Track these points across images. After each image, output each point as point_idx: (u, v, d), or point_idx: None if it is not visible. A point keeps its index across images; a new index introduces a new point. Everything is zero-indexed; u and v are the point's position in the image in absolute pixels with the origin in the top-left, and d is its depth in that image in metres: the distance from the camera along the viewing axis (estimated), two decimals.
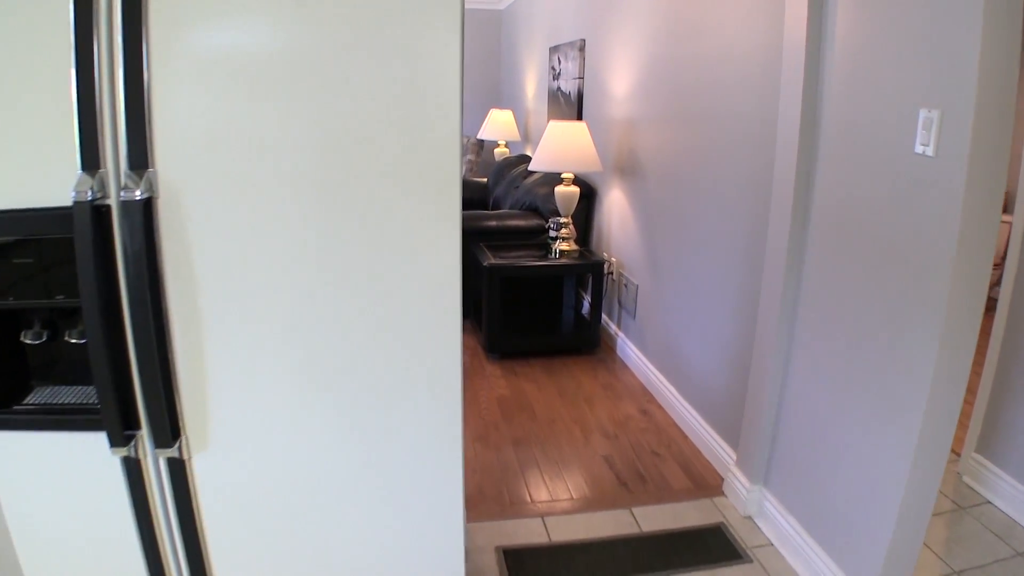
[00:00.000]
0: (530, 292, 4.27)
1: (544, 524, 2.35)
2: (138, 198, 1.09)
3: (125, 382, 1.22)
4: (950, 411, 1.68)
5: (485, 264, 3.59)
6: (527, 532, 2.31)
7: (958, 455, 2.73)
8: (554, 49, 5.05)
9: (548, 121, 4.98)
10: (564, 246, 3.85)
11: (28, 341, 1.26)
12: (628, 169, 3.68)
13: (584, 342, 3.86)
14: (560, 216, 3.89)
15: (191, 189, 1.13)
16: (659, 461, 2.77)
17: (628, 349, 3.72)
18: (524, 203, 4.37)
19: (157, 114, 1.10)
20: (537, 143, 4.34)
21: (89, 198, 1.09)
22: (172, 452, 1.25)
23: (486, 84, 7.38)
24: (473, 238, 4.05)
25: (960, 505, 2.49)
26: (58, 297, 1.20)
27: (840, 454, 1.97)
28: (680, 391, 3.10)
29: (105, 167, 1.12)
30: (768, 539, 2.28)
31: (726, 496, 2.54)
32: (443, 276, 1.23)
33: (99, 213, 1.12)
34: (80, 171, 1.12)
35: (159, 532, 1.33)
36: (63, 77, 1.08)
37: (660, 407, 3.23)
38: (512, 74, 6.83)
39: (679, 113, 3.04)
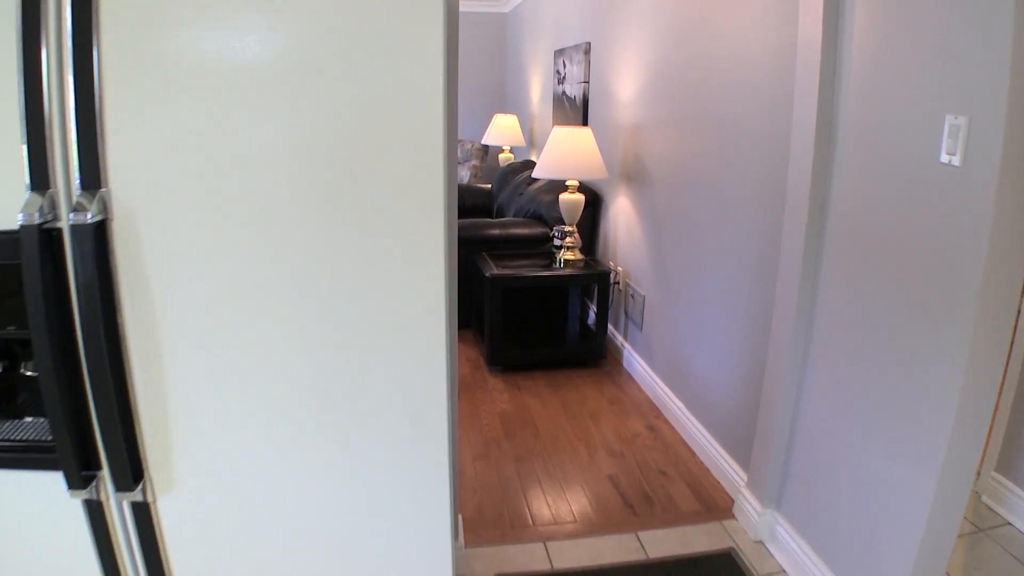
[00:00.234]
0: (534, 302, 4.16)
1: (546, 549, 2.24)
2: (89, 221, 0.99)
3: (84, 419, 1.12)
4: (977, 435, 1.58)
5: (487, 274, 3.48)
6: (528, 558, 2.20)
7: (977, 474, 2.61)
8: (559, 53, 4.95)
9: (553, 126, 4.88)
10: (569, 255, 3.74)
11: None
12: (635, 176, 3.58)
13: (589, 354, 3.75)
14: (565, 224, 3.78)
15: (149, 210, 1.03)
16: (666, 481, 2.65)
17: (635, 362, 3.61)
18: (528, 210, 4.27)
19: (111, 128, 1.00)
20: (542, 148, 4.23)
21: (38, 221, 1.00)
22: (135, 496, 1.15)
23: (490, 88, 7.29)
24: (475, 247, 3.95)
25: (979, 527, 2.37)
26: (9, 328, 1.10)
27: (858, 478, 1.85)
28: (688, 407, 2.99)
29: (55, 186, 1.02)
30: (780, 566, 2.17)
31: (736, 519, 2.42)
32: (427, 304, 1.13)
33: (49, 237, 1.02)
34: (28, 191, 1.02)
35: None
36: (9, 88, 0.99)
37: (668, 423, 3.12)
38: (517, 78, 6.73)
39: (687, 118, 2.93)
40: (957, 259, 1.50)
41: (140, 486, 1.15)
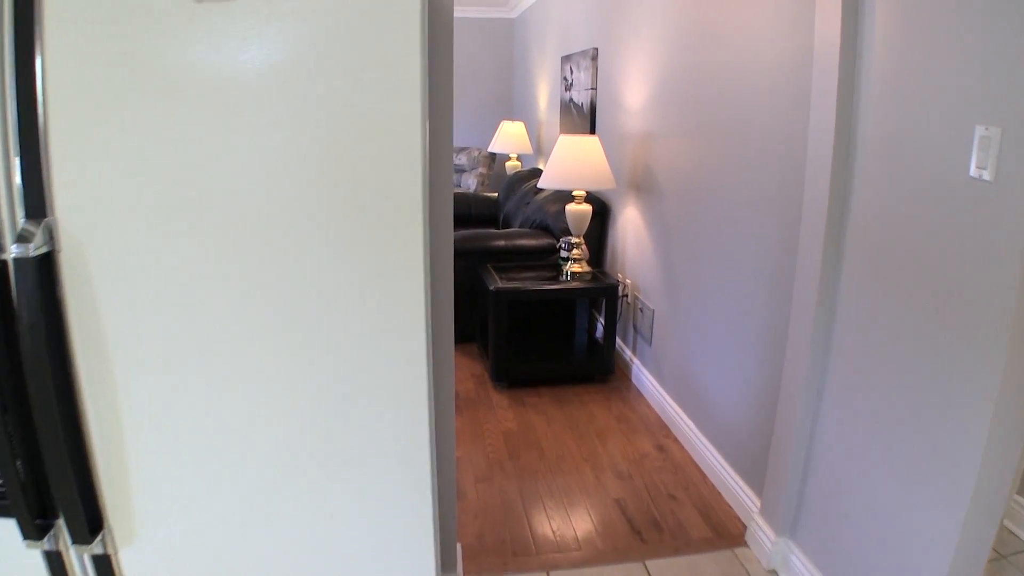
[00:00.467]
0: (540, 316, 4.06)
1: None
2: (33, 253, 0.90)
3: (38, 464, 1.02)
4: (1008, 467, 1.47)
5: (491, 288, 3.38)
6: None
7: None
8: (566, 58, 4.85)
9: (560, 134, 4.78)
10: (576, 267, 3.63)
11: None
12: (644, 186, 3.47)
13: (597, 369, 3.63)
14: (571, 236, 3.68)
15: (100, 239, 0.94)
16: (676, 506, 2.54)
17: (644, 377, 3.49)
18: (534, 221, 4.17)
19: (56, 150, 0.90)
20: (549, 156, 4.14)
21: None
22: (94, 548, 1.05)
23: (497, 95, 7.20)
24: (480, 259, 3.85)
25: (1001, 553, 2.25)
26: None
27: (879, 507, 1.74)
28: (699, 426, 2.87)
29: None
30: None
31: (748, 547, 2.31)
32: (406, 335, 1.02)
33: None
34: None
35: None
36: None
37: (677, 442, 3.01)
38: (524, 85, 6.64)
39: (698, 126, 2.83)
40: (988, 279, 1.39)
41: (99, 537, 1.06)
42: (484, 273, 3.66)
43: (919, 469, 1.61)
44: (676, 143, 3.04)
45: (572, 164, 3.46)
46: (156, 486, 1.06)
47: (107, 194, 0.93)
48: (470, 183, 6.59)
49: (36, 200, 0.92)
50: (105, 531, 1.07)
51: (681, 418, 3.02)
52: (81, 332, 0.97)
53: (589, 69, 4.26)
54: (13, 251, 0.91)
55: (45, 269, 0.92)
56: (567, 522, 2.43)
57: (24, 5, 0.87)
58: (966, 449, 1.47)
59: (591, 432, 3.08)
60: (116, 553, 1.09)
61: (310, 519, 1.11)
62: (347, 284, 0.99)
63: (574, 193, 3.59)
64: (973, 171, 1.41)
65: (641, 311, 3.54)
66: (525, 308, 4.00)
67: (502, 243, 3.88)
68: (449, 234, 1.66)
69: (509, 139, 5.98)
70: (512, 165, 6.21)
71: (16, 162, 0.91)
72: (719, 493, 2.62)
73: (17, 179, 0.91)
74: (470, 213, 5.37)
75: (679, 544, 2.32)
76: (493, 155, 6.71)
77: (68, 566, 1.10)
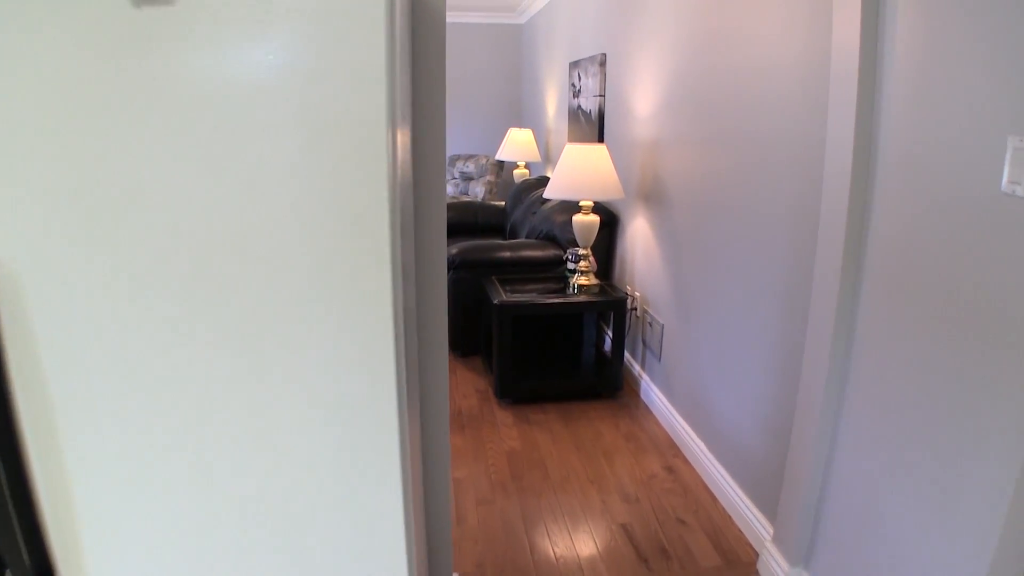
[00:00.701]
0: (546, 329, 3.96)
1: None
2: None
3: None
4: None
5: (495, 302, 3.28)
6: None
7: None
8: (574, 64, 4.76)
9: (568, 141, 4.69)
10: (583, 280, 3.52)
11: None
12: (653, 196, 3.36)
13: (605, 385, 3.52)
14: (579, 247, 3.57)
15: (37, 274, 0.84)
16: (685, 531, 2.43)
17: (653, 393, 3.38)
18: (541, 231, 4.07)
19: None
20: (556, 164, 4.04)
21: None
22: None
23: (506, 102, 7.11)
24: (484, 270, 3.76)
25: None
26: None
27: (900, 538, 1.62)
28: (710, 447, 2.75)
29: None
30: None
31: None
32: (375, 394, 0.92)
33: None
34: None
35: None
36: None
37: (687, 462, 2.89)
38: (533, 91, 6.55)
39: (709, 134, 2.72)
40: (1021, 302, 1.28)
41: None
42: (488, 285, 3.56)
43: (944, 498, 1.49)
44: (686, 152, 2.94)
45: (579, 173, 3.36)
46: (106, 528, 0.97)
47: (39, 222, 0.83)
48: (478, 191, 6.50)
49: None
50: None
51: (691, 437, 2.91)
52: (20, 368, 0.87)
53: (597, 75, 4.16)
54: None
55: None
56: (571, 549, 2.32)
57: None
58: (996, 478, 1.35)
59: (598, 451, 2.97)
60: None
61: (272, 562, 1.01)
62: (306, 330, 0.89)
63: (581, 203, 3.49)
64: (1005, 186, 1.30)
65: (650, 325, 3.43)
66: (530, 322, 3.90)
67: (507, 254, 3.78)
68: (441, 243, 1.57)
69: (517, 147, 5.89)
70: (520, 173, 6.12)
71: None
72: (730, 517, 2.51)
73: None
74: (476, 222, 5.28)
75: (688, 573, 2.21)
76: (501, 163, 6.62)
77: None
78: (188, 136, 0.81)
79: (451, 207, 5.29)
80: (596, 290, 3.49)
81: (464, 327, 3.88)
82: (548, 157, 5.87)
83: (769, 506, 2.29)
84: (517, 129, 5.96)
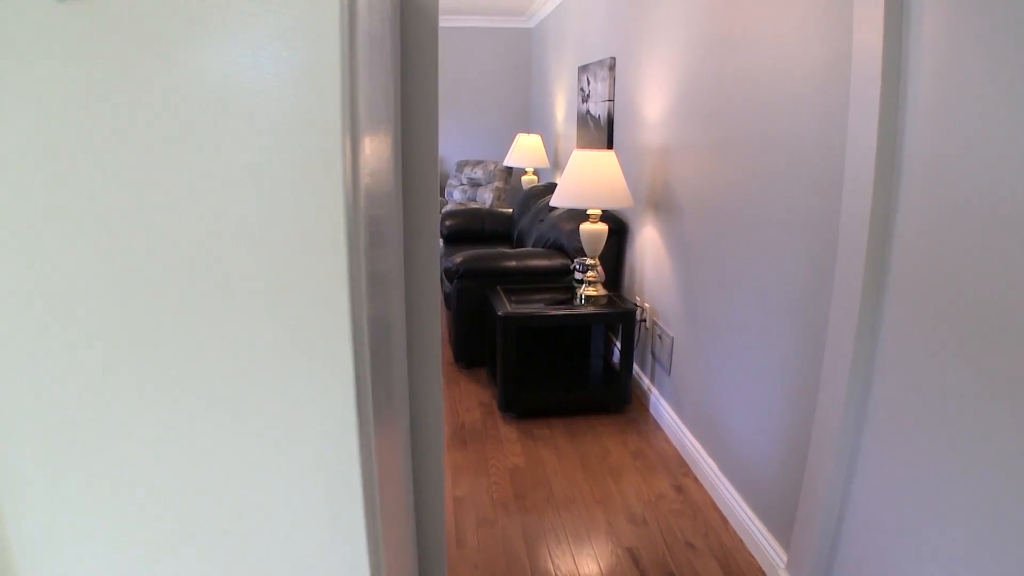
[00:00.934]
0: (552, 341, 3.85)
1: None
2: None
3: None
4: None
5: (500, 313, 3.17)
6: None
7: None
8: (583, 69, 4.66)
9: (576, 147, 4.59)
10: (591, 291, 3.41)
11: None
12: (663, 204, 3.25)
13: (613, 399, 3.40)
14: (586, 256, 3.46)
15: None
16: (694, 555, 2.31)
17: (662, 409, 3.26)
18: (548, 239, 3.96)
19: None
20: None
21: None
22: None
23: (514, 107, 7.02)
24: (489, 280, 3.65)
25: None
26: None
27: (924, 570, 1.51)
28: (721, 466, 2.64)
29: None
30: None
31: None
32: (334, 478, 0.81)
33: None
34: None
35: None
36: None
37: (697, 481, 2.77)
38: (541, 96, 6.46)
39: (722, 140, 2.61)
40: None
41: None
42: (493, 295, 3.45)
43: (974, 526, 1.37)
44: (698, 159, 2.83)
45: (587, 181, 3.25)
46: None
47: None
48: (486, 197, 6.41)
49: None
50: None
51: (701, 455, 2.79)
52: None
53: (606, 79, 4.06)
54: None
55: None
56: (574, 575, 2.21)
57: None
58: None
59: (604, 470, 2.85)
60: None
61: None
62: (255, 327, 0.79)
63: (589, 212, 3.38)
64: None
65: (660, 338, 3.31)
66: (536, 333, 3.80)
67: (513, 264, 3.68)
68: (433, 249, 1.47)
69: (525, 152, 5.80)
70: (528, 179, 6.03)
71: None
72: (741, 541, 2.39)
73: None
74: (484, 229, 5.18)
75: None
76: (509, 169, 6.53)
77: None
78: (124, 147, 0.71)
79: (458, 214, 5.20)
80: (604, 301, 3.38)
81: (468, 338, 3.78)
82: (557, 163, 5.78)
83: (783, 531, 2.17)
84: (526, 135, 5.86)
